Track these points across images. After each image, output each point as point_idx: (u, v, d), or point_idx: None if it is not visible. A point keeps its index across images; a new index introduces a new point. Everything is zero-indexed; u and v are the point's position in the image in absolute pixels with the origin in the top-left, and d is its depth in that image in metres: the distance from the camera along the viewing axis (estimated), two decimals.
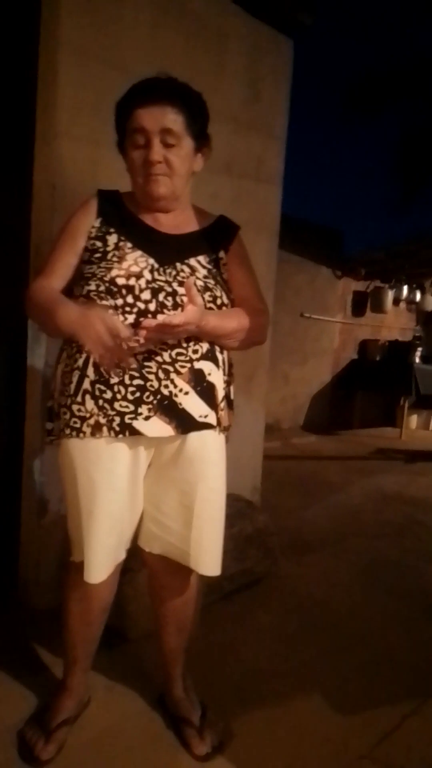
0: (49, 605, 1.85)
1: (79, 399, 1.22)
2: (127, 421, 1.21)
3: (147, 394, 1.21)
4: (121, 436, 1.22)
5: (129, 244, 1.27)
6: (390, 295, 5.97)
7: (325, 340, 6.26)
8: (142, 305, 1.20)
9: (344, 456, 4.87)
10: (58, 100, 1.77)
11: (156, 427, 1.22)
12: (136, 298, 1.20)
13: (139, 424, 1.21)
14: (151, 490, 1.33)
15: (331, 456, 4.84)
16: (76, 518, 1.29)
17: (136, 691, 1.59)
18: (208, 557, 1.33)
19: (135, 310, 1.20)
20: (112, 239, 1.28)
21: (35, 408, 1.91)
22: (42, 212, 1.86)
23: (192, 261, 1.29)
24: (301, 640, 1.93)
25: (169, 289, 1.22)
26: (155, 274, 1.23)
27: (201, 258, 1.31)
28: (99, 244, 1.27)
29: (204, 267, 1.30)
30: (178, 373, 1.23)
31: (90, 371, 1.22)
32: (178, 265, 1.26)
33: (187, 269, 1.27)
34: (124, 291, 1.20)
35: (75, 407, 1.23)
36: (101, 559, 1.28)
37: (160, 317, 1.16)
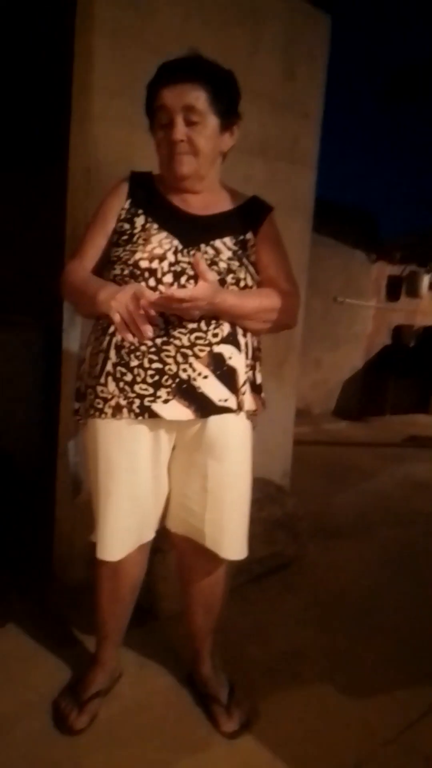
0: (82, 581, 1.90)
1: (102, 380, 1.24)
2: (146, 403, 1.22)
3: (165, 377, 1.21)
4: (140, 418, 1.23)
5: (155, 226, 1.26)
6: (426, 279, 5.84)
7: (359, 325, 6.16)
8: (164, 288, 1.20)
9: (375, 442, 4.82)
10: (94, 83, 1.77)
11: (175, 410, 1.22)
12: (158, 281, 1.20)
13: (158, 407, 1.22)
14: (175, 473, 1.35)
15: (362, 442, 4.79)
16: (96, 496, 1.33)
17: (166, 668, 1.63)
18: (229, 541, 1.34)
19: (157, 293, 1.19)
20: (140, 221, 1.28)
21: (70, 389, 1.94)
22: (77, 195, 1.87)
23: (217, 242, 1.27)
24: (328, 624, 1.93)
25: (192, 273, 1.21)
26: (179, 255, 1.23)
27: (227, 239, 1.28)
28: (127, 226, 1.28)
29: (229, 248, 1.28)
30: (196, 356, 1.22)
31: (112, 353, 1.24)
32: (202, 246, 1.25)
33: (211, 251, 1.25)
34: (146, 274, 1.21)
35: (99, 388, 1.25)
36: (117, 537, 1.31)
37: (165, 290, 1.16)
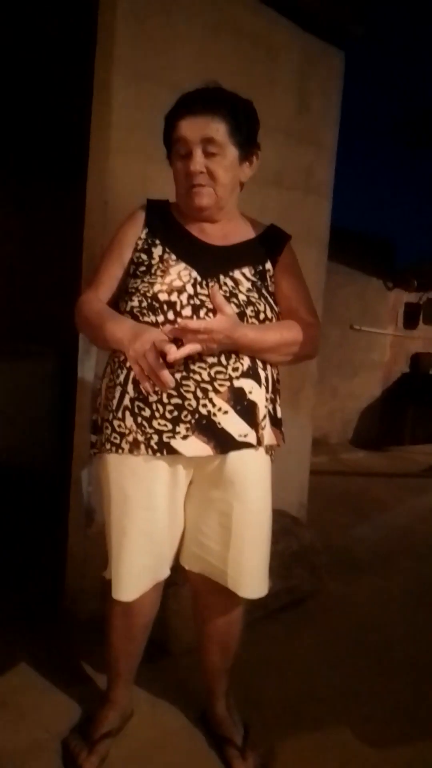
0: (94, 615, 1.86)
1: (119, 415, 1.22)
2: (164, 439, 1.19)
3: (185, 413, 1.18)
4: (158, 454, 1.20)
5: (173, 257, 1.25)
6: None
7: (376, 353, 6.12)
8: (178, 319, 1.18)
9: (394, 473, 4.73)
10: (113, 119, 1.82)
11: (194, 446, 1.19)
12: (177, 314, 1.18)
13: (176, 443, 1.19)
14: (191, 510, 1.31)
15: (381, 473, 4.71)
16: (109, 534, 1.29)
17: (179, 707, 1.58)
18: (248, 579, 1.30)
19: (172, 327, 1.17)
20: (157, 251, 1.27)
21: (84, 419, 1.94)
22: (94, 227, 1.90)
23: (236, 273, 1.26)
24: (348, 663, 1.87)
25: (211, 306, 1.19)
26: (198, 287, 1.21)
27: (246, 270, 1.27)
28: (144, 257, 1.27)
29: (248, 279, 1.26)
30: (216, 391, 1.19)
31: (130, 388, 1.21)
32: (221, 277, 1.23)
33: (230, 282, 1.24)
34: (165, 307, 1.19)
35: (116, 423, 1.23)
36: (133, 577, 1.27)
37: (179, 321, 1.15)
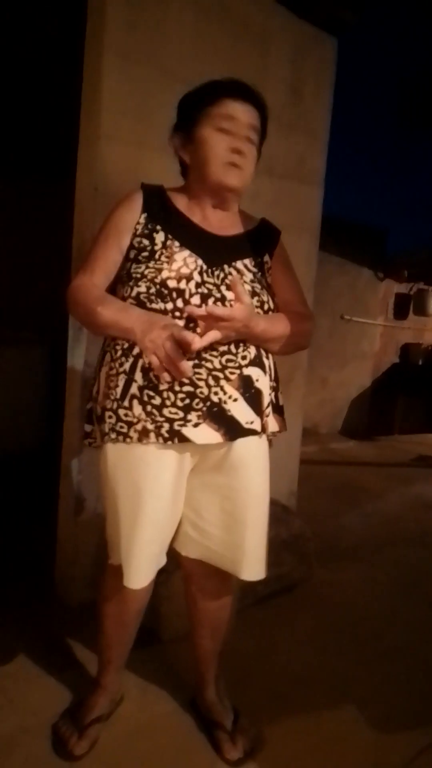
0: (84, 601, 1.88)
1: (126, 404, 1.19)
2: (176, 427, 1.17)
3: (197, 401, 1.17)
4: (169, 442, 1.19)
5: (177, 243, 1.24)
6: None
7: (366, 343, 6.15)
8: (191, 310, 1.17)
9: (383, 462, 4.77)
10: (103, 103, 1.79)
11: (204, 434, 1.19)
12: (186, 302, 1.18)
13: (188, 431, 1.18)
14: (192, 495, 1.31)
15: (370, 462, 4.75)
16: (117, 523, 1.26)
17: (169, 692, 1.59)
18: (250, 562, 1.31)
19: (185, 315, 1.17)
20: (160, 237, 1.24)
21: (74, 407, 1.94)
22: (84, 214, 1.89)
23: (239, 264, 1.27)
24: (336, 648, 1.89)
25: (218, 295, 1.20)
26: (204, 275, 1.21)
27: (247, 261, 1.29)
28: (146, 242, 1.24)
29: (250, 271, 1.28)
30: (227, 379, 1.19)
31: (138, 376, 1.19)
32: (226, 267, 1.24)
33: (234, 272, 1.25)
34: (174, 294, 1.18)
35: (122, 412, 1.19)
36: (144, 566, 1.26)
37: (206, 307, 1.13)
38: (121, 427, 1.20)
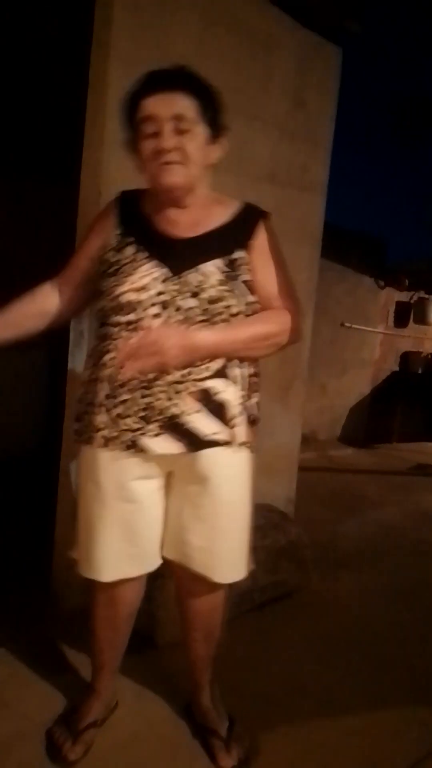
0: (81, 606, 1.87)
1: (95, 410, 1.24)
2: (135, 437, 1.20)
3: (155, 412, 1.19)
4: (131, 451, 1.22)
5: (145, 254, 1.22)
6: None
7: (366, 351, 6.15)
8: (148, 322, 1.18)
9: (382, 470, 4.77)
10: (108, 110, 1.80)
11: (164, 444, 1.20)
12: (144, 313, 1.18)
13: (146, 441, 1.20)
14: (172, 502, 1.33)
15: (369, 470, 4.74)
16: (79, 516, 1.34)
17: (164, 698, 1.59)
18: (221, 565, 1.33)
19: (142, 326, 1.18)
20: (130, 250, 1.24)
21: (73, 410, 1.94)
22: (88, 218, 1.88)
23: (207, 266, 1.21)
24: (332, 657, 1.89)
25: (177, 304, 1.18)
26: (167, 284, 1.19)
27: (217, 261, 1.22)
28: (117, 256, 1.24)
29: (220, 271, 1.22)
30: (187, 391, 1.19)
31: (105, 385, 1.23)
32: (189, 274, 1.20)
33: (199, 277, 1.20)
34: (130, 306, 1.19)
35: (91, 417, 1.25)
36: (110, 559, 1.30)
37: (119, 353, 1.18)
38: (90, 431, 1.26)
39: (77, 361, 1.93)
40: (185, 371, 1.19)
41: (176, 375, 1.19)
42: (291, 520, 2.37)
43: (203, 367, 1.21)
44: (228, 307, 1.21)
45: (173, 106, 1.16)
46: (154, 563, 1.36)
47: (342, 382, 5.97)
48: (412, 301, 6.05)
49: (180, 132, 1.16)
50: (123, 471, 1.26)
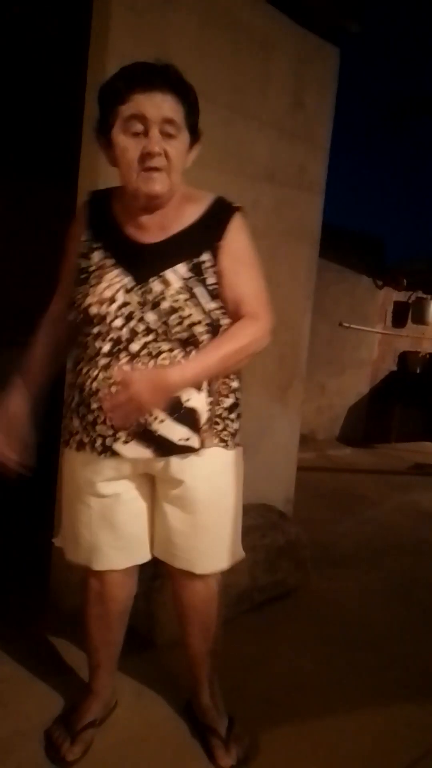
0: (78, 607, 1.87)
1: (70, 414, 1.30)
2: (107, 443, 1.23)
3: None
4: (103, 455, 1.25)
5: (111, 261, 1.21)
6: None
7: (364, 350, 6.16)
8: (114, 334, 1.18)
9: (380, 470, 4.77)
10: None
11: (134, 449, 1.23)
12: (109, 326, 1.19)
13: (118, 447, 1.23)
14: (155, 504, 1.36)
15: (367, 469, 4.75)
16: (66, 512, 1.40)
17: (163, 698, 1.59)
18: (200, 557, 1.35)
19: (109, 338, 1.19)
20: (97, 256, 1.22)
21: None
22: None
23: (168, 273, 1.18)
24: (331, 656, 1.89)
25: (140, 315, 1.17)
26: (130, 294, 1.18)
27: (179, 267, 1.18)
28: (84, 263, 1.23)
29: (181, 278, 1.18)
30: None
31: (76, 392, 1.27)
32: (151, 282, 1.17)
33: (160, 286, 1.17)
34: (97, 319, 1.19)
35: (66, 421, 1.32)
36: (99, 548, 1.33)
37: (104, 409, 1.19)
38: (67, 434, 1.32)
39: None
40: None
41: None
42: (290, 520, 2.37)
43: None
44: (185, 318, 1.17)
45: (163, 109, 1.11)
46: (141, 557, 1.39)
47: (340, 382, 5.97)
48: (410, 301, 6.05)
49: (167, 136, 1.13)
50: (96, 472, 1.29)
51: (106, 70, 1.78)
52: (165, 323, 1.17)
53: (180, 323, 1.17)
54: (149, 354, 1.18)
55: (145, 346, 1.18)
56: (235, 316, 1.24)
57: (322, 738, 1.51)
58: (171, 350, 1.19)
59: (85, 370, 1.24)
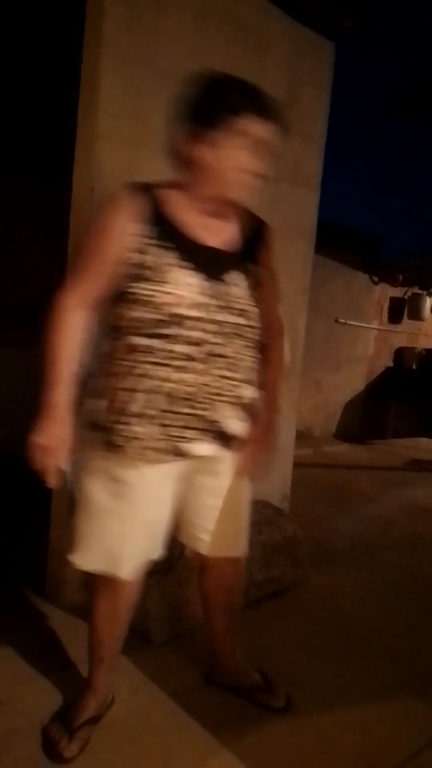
0: (76, 603, 1.87)
1: (133, 421, 1.23)
2: (177, 444, 1.26)
3: (197, 420, 1.26)
4: (173, 456, 1.27)
5: (179, 261, 1.20)
6: (428, 302, 5.84)
7: (360, 347, 6.17)
8: (186, 333, 1.21)
9: (377, 466, 4.79)
10: (100, 104, 1.79)
11: (203, 447, 1.29)
12: (182, 327, 1.20)
13: (187, 446, 1.27)
14: (184, 494, 1.40)
15: (363, 466, 4.76)
16: (97, 521, 1.33)
17: (160, 695, 1.59)
18: (234, 542, 1.48)
19: (182, 339, 1.21)
20: (158, 253, 1.20)
21: (89, 418, 1.92)
22: (80, 214, 1.88)
23: (234, 278, 1.27)
24: (327, 651, 1.89)
25: (215, 317, 1.23)
26: (206, 296, 1.22)
27: (241, 272, 1.29)
28: (141, 258, 1.19)
29: (243, 283, 1.28)
30: (224, 400, 1.29)
31: (142, 396, 1.22)
32: (221, 286, 1.24)
33: (233, 289, 1.26)
34: (171, 318, 1.19)
35: (127, 428, 1.23)
36: (135, 558, 1.35)
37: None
38: (125, 441, 1.24)
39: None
40: (223, 381, 1.27)
41: (214, 386, 1.27)
42: (286, 516, 2.37)
43: (239, 376, 1.31)
44: (252, 320, 1.30)
45: (272, 140, 1.24)
46: (159, 552, 1.41)
47: (337, 378, 5.98)
48: (406, 297, 6.07)
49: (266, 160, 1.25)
50: (161, 474, 1.30)
51: (100, 65, 1.78)
52: (238, 325, 1.27)
53: (250, 326, 1.29)
54: (230, 356, 1.27)
55: (223, 347, 1.25)
56: (264, 320, 1.35)
57: (319, 733, 1.52)
58: (248, 351, 1.31)
59: (161, 374, 1.21)
